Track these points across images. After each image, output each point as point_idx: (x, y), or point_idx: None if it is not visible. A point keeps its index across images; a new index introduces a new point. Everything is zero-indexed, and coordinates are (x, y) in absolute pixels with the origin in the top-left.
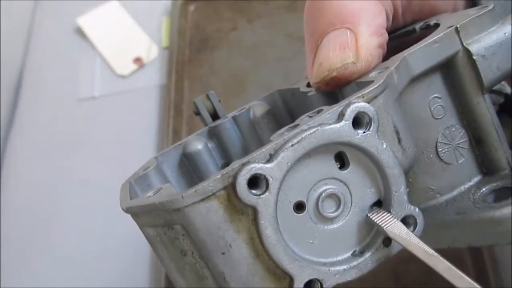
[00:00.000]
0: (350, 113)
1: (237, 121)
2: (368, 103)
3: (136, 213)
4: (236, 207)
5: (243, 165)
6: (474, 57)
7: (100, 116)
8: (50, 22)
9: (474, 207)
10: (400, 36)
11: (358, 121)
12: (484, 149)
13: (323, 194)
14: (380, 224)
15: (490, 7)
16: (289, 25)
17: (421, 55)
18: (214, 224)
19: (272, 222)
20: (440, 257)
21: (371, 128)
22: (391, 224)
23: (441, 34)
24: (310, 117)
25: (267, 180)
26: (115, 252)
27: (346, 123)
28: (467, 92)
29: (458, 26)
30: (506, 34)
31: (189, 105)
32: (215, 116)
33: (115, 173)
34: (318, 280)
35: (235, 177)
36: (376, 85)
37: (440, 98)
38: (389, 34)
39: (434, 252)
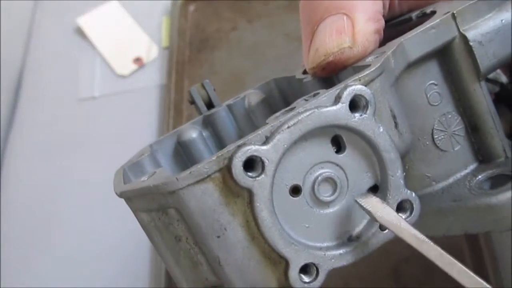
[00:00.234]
0: (346, 95)
1: (232, 110)
2: (365, 86)
3: (130, 197)
4: (232, 189)
5: (239, 147)
6: (471, 43)
7: (100, 116)
8: (50, 22)
9: (470, 194)
10: (396, 25)
11: (355, 104)
12: (480, 137)
13: (319, 178)
14: (369, 209)
15: None
16: (289, 25)
17: (417, 40)
18: (209, 207)
19: (267, 204)
20: (432, 243)
21: (367, 111)
22: (381, 210)
23: (438, 20)
24: (306, 100)
25: (263, 163)
26: (115, 252)
27: (343, 106)
28: (463, 79)
29: (455, 12)
30: (503, 21)
31: (189, 105)
32: (210, 105)
33: None
34: (314, 264)
35: (230, 159)
36: (373, 69)
37: (436, 84)
38: (385, 23)
39: (425, 238)
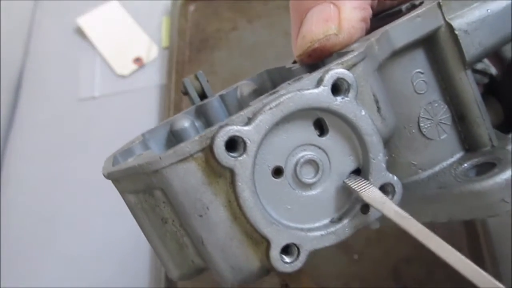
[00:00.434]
0: (328, 79)
1: (224, 100)
2: (348, 70)
3: (117, 178)
4: (214, 169)
5: (221, 127)
6: (456, 32)
7: (100, 116)
8: (50, 22)
9: (456, 181)
10: (387, 17)
11: (337, 88)
12: (467, 125)
13: (302, 160)
14: (356, 189)
15: None
16: (289, 25)
17: (403, 28)
18: (192, 186)
19: (249, 184)
20: (413, 219)
21: (349, 95)
22: (367, 190)
23: (424, 8)
24: (290, 84)
25: (245, 143)
26: (115, 251)
27: (324, 89)
28: (449, 67)
29: (440, 1)
30: (489, 11)
31: (189, 105)
32: (203, 96)
33: None
34: (295, 245)
35: (213, 138)
36: (356, 53)
37: (422, 73)
38: (376, 15)
39: (408, 214)
